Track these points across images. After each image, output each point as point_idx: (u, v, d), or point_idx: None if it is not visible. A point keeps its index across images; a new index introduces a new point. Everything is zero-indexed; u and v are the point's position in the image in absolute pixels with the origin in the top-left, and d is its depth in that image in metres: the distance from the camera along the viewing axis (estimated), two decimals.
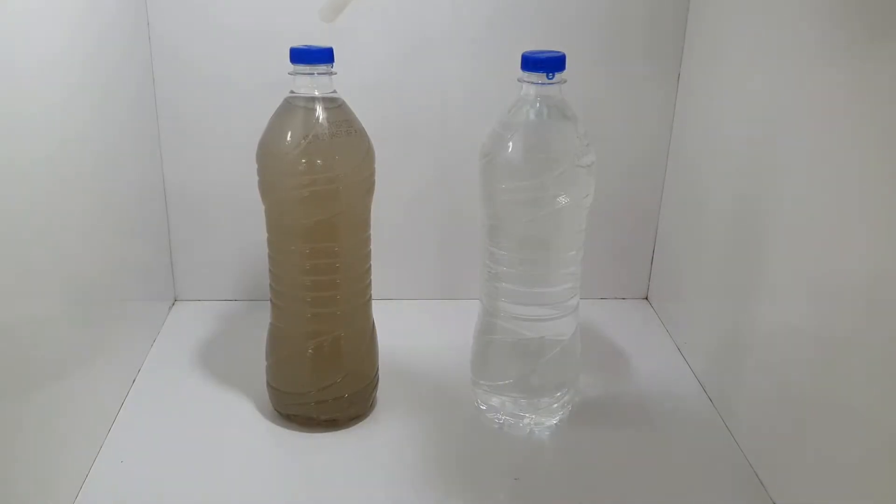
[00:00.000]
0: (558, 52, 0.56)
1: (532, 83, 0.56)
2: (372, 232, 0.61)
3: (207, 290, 0.83)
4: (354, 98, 0.59)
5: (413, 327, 0.79)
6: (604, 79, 0.77)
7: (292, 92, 0.57)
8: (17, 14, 0.48)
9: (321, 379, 0.61)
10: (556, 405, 0.63)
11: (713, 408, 0.67)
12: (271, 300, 0.62)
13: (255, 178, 0.59)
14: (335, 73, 0.57)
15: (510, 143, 0.57)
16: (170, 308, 0.82)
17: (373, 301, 0.63)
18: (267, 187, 0.58)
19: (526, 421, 0.63)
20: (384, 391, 0.66)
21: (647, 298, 0.87)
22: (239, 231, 0.80)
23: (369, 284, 0.62)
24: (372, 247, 0.62)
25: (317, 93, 0.57)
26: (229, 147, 0.76)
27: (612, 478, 0.59)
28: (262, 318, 0.65)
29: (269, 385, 0.64)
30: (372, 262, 0.62)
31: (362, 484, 0.58)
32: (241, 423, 0.63)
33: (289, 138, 0.56)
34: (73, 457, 0.56)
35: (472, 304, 0.66)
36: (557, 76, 0.56)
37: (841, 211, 0.49)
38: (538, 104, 0.57)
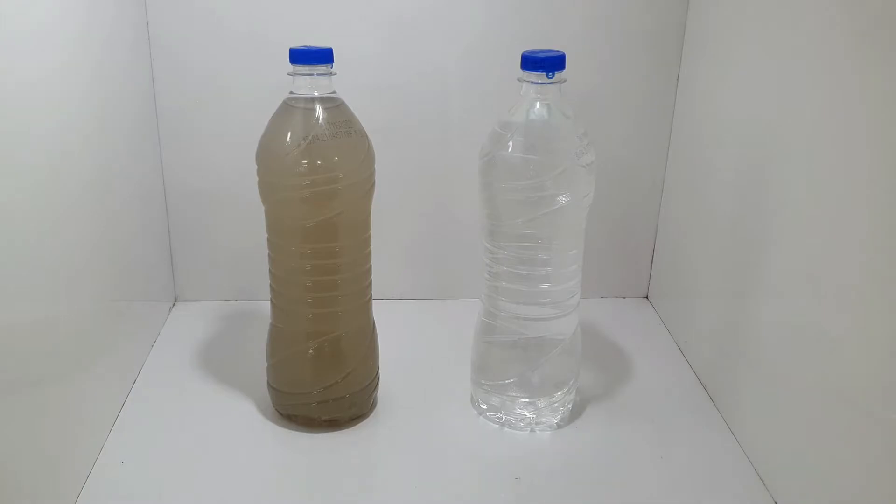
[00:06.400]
0: (558, 51, 0.56)
1: (532, 83, 0.56)
2: (372, 232, 0.61)
3: (208, 290, 0.83)
4: (354, 98, 0.59)
5: (413, 327, 0.80)
6: (604, 79, 0.77)
7: (292, 93, 0.57)
8: (27, 25, 0.48)
9: (322, 379, 0.61)
10: (556, 404, 0.63)
11: (714, 406, 0.67)
12: (271, 300, 0.62)
13: (255, 179, 0.59)
14: (335, 74, 0.57)
15: (510, 143, 0.57)
16: (170, 309, 0.82)
17: (373, 301, 0.64)
18: (267, 188, 0.58)
19: (526, 420, 0.63)
20: (385, 391, 0.66)
21: (647, 297, 0.87)
22: (239, 231, 0.80)
23: (370, 284, 0.62)
24: (372, 247, 0.62)
25: (316, 93, 0.57)
26: (229, 148, 0.76)
27: (613, 477, 0.59)
28: (263, 319, 0.65)
29: (269, 385, 0.64)
30: (372, 262, 0.62)
31: (362, 484, 0.58)
32: (242, 424, 0.63)
33: (289, 139, 0.56)
34: (75, 457, 0.56)
35: (472, 303, 0.66)
36: (557, 76, 0.56)
37: (840, 210, 0.49)
38: (538, 104, 0.57)
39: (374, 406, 0.66)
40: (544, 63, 0.55)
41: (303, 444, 0.61)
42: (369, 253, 0.62)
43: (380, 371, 0.66)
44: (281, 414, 0.64)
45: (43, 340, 0.51)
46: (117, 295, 0.65)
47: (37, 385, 0.50)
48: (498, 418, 0.64)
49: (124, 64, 0.68)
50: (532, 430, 0.63)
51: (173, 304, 0.83)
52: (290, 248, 0.59)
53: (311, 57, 0.56)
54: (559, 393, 0.63)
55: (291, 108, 0.57)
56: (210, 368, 0.71)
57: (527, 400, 0.63)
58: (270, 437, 0.62)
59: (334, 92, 0.58)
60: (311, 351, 0.61)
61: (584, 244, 0.61)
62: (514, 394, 0.63)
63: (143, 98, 0.73)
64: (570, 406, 0.65)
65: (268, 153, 0.57)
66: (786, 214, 0.55)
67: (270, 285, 0.61)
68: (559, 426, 0.64)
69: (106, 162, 0.63)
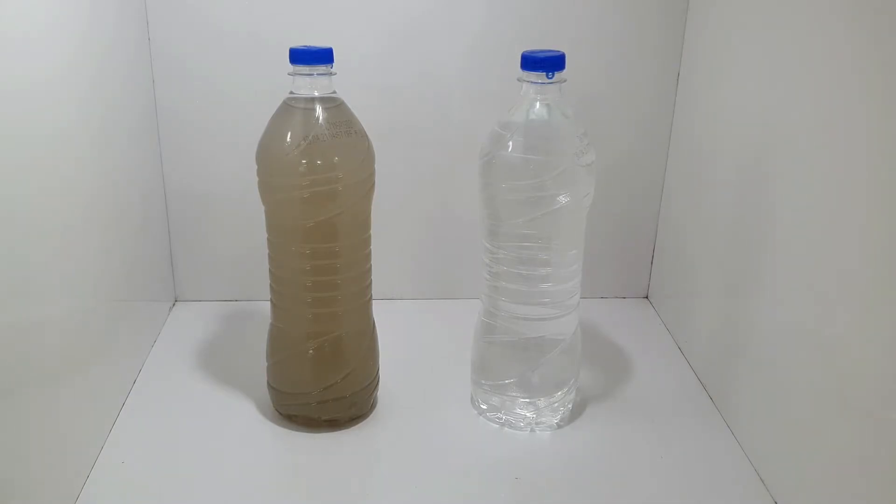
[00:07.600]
0: (558, 51, 0.56)
1: (532, 83, 0.56)
2: (372, 232, 0.61)
3: (208, 290, 0.83)
4: (354, 98, 0.59)
5: (413, 327, 0.80)
6: (604, 79, 0.77)
7: (292, 93, 0.57)
8: (28, 27, 0.49)
9: (322, 379, 0.61)
10: (556, 404, 0.63)
11: (714, 406, 0.67)
12: (271, 300, 0.62)
13: (255, 179, 0.59)
14: (335, 74, 0.57)
15: (510, 143, 0.57)
16: (170, 309, 0.82)
17: (373, 301, 0.64)
18: (267, 188, 0.58)
19: (526, 420, 0.63)
20: (385, 391, 0.66)
21: (647, 297, 0.87)
22: (239, 231, 0.80)
23: (370, 284, 0.62)
24: (372, 247, 0.62)
25: (316, 93, 0.57)
26: (229, 148, 0.76)
27: (613, 477, 0.59)
28: (263, 319, 0.65)
29: (269, 385, 0.64)
30: (372, 262, 0.62)
31: (362, 484, 0.58)
32: (242, 424, 0.63)
33: (289, 139, 0.56)
34: (75, 457, 0.56)
35: (472, 303, 0.66)
36: (557, 76, 0.56)
37: (840, 211, 0.49)
38: (538, 104, 0.57)
39: (374, 406, 0.66)
40: (544, 63, 0.55)
41: (303, 444, 0.61)
42: (369, 253, 0.62)
43: (380, 371, 0.66)
44: (281, 414, 0.64)
45: (43, 340, 0.51)
46: (117, 295, 0.65)
47: (37, 385, 0.50)
48: (498, 418, 0.64)
49: (125, 65, 0.68)
50: (532, 430, 0.63)
51: (173, 304, 0.83)
52: (290, 248, 0.59)
53: (311, 57, 0.56)
54: (559, 393, 0.63)
55: (291, 108, 0.57)
56: (210, 368, 0.71)
57: (527, 400, 0.63)
58: (270, 437, 0.62)
59: (334, 92, 0.58)
60: (311, 351, 0.61)
61: (584, 244, 0.61)
62: (514, 394, 0.63)
63: (143, 98, 0.73)
64: (570, 406, 0.65)
65: (268, 153, 0.57)
66: (786, 214, 0.55)
67: (270, 285, 0.61)
68: (559, 426, 0.64)
69: (106, 162, 0.63)
